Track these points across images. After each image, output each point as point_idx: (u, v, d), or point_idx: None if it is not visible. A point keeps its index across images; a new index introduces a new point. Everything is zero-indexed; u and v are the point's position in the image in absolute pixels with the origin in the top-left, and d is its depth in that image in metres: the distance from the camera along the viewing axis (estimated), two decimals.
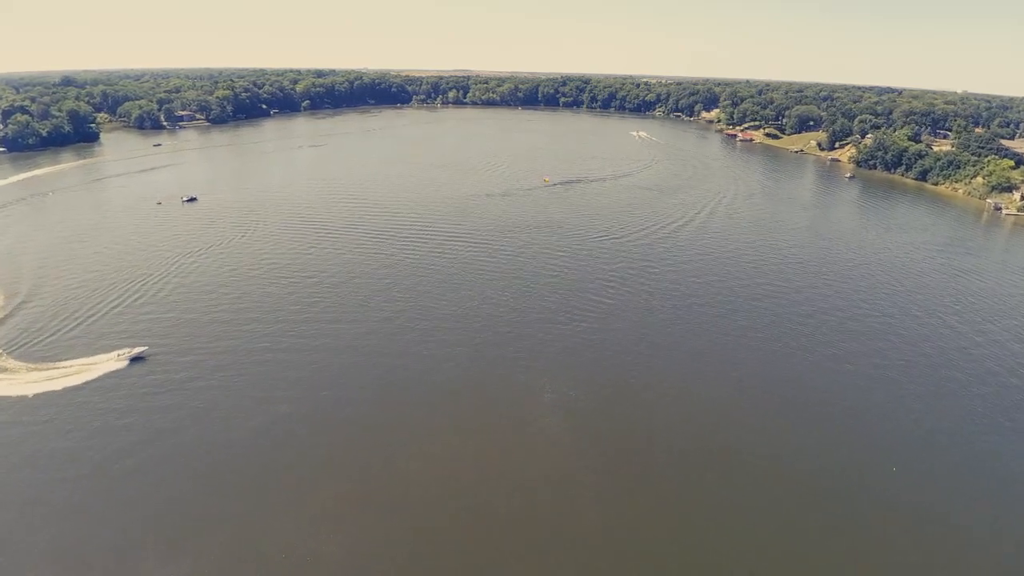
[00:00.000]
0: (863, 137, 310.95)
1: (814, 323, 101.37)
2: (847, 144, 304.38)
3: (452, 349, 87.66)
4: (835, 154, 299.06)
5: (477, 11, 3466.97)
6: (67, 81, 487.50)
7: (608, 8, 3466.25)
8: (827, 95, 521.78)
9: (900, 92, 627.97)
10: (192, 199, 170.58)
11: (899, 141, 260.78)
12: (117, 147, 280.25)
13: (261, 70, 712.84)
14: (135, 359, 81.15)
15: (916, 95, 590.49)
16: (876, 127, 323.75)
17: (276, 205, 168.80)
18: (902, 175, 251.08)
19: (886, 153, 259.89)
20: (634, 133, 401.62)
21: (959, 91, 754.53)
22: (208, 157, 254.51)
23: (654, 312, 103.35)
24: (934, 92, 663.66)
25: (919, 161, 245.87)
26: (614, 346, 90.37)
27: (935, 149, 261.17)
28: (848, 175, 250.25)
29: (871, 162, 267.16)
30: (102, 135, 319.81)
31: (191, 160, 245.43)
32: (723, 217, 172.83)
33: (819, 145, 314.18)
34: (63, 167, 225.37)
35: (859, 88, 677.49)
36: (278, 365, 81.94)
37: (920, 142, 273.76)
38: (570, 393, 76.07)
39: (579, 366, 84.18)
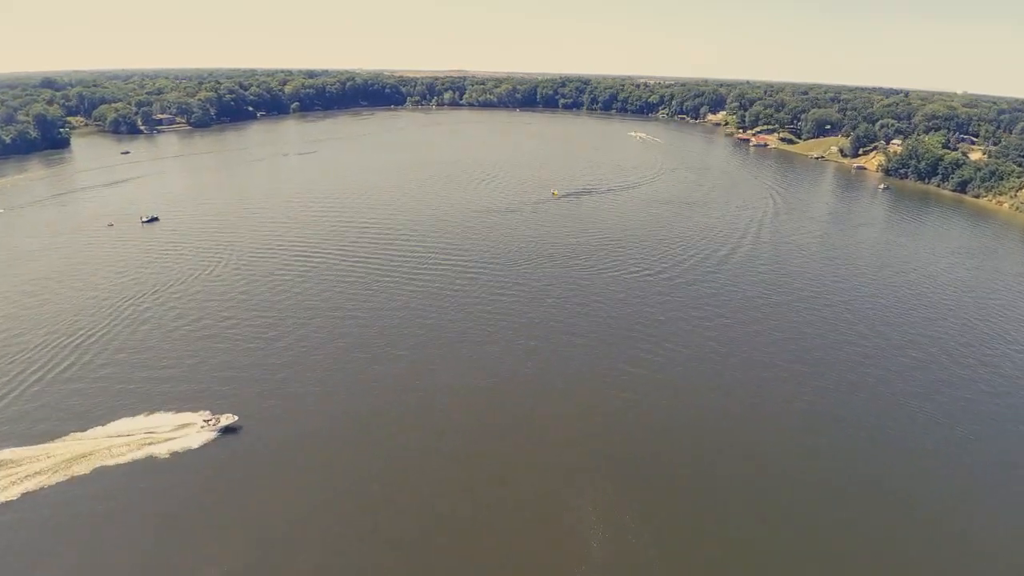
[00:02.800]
0: (887, 143, 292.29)
1: (932, 399, 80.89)
2: (872, 150, 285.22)
3: (465, 460, 66.81)
4: (860, 161, 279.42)
5: (475, 11, 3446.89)
6: (48, 82, 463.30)
7: (607, 8, 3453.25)
8: (834, 96, 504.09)
9: (907, 93, 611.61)
10: (153, 219, 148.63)
11: (933, 148, 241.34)
12: (86, 155, 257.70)
13: (252, 70, 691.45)
14: (227, 430, 67.96)
15: (925, 97, 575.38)
16: (900, 132, 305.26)
17: (253, 226, 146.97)
18: (938, 186, 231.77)
19: (919, 161, 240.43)
20: (633, 134, 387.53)
21: (959, 92, 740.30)
22: (182, 167, 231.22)
23: (729, 395, 79.34)
24: (932, 93, 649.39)
25: (957, 171, 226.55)
26: (682, 441, 69.71)
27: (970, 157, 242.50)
28: (882, 186, 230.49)
29: (902, 171, 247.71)
30: (75, 141, 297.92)
31: (162, 170, 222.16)
32: (769, 243, 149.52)
33: (841, 151, 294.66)
34: (19, 179, 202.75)
35: (862, 89, 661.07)
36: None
37: (955, 149, 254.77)
38: (629, 538, 54.88)
39: (636, 477, 63.51)
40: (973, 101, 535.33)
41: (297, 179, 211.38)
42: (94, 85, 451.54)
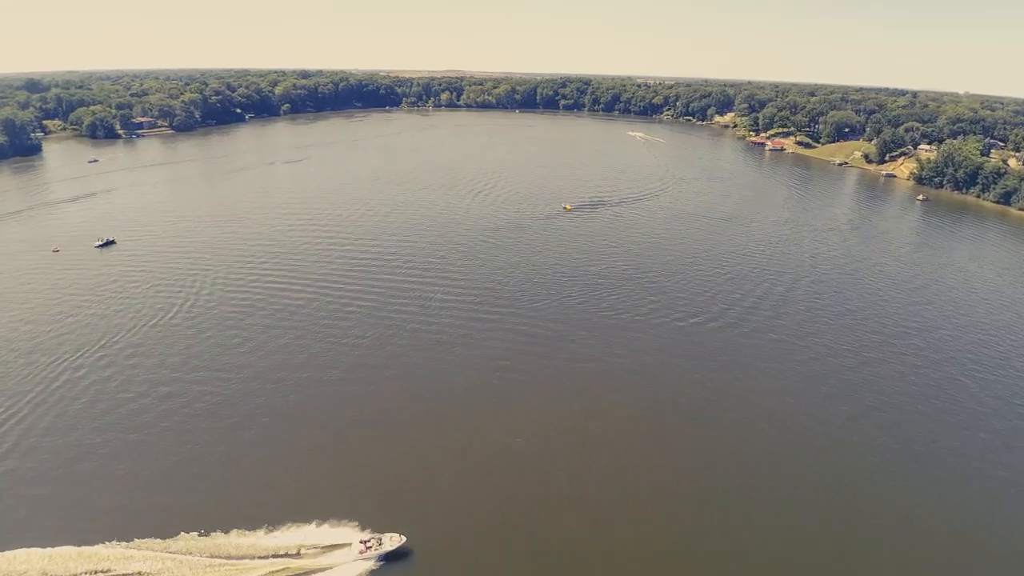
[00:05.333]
0: (915, 148, 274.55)
1: None
2: (898, 156, 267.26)
3: None
4: (889, 168, 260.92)
5: (473, 10, 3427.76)
6: (31, 84, 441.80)
7: (607, 7, 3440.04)
8: (843, 97, 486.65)
9: (915, 94, 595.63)
10: (108, 243, 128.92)
11: (971, 156, 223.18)
12: (56, 163, 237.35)
13: (245, 71, 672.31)
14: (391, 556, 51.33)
15: (934, 97, 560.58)
16: (925, 136, 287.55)
17: (228, 252, 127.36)
18: (977, 196, 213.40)
19: (956, 170, 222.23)
20: (633, 133, 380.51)
21: (962, 92, 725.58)
22: (154, 178, 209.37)
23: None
24: (941, 93, 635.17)
25: (1000, 181, 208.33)
26: None
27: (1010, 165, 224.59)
28: (920, 197, 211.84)
29: (937, 180, 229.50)
30: (48, 146, 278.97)
31: (132, 181, 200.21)
32: (832, 274, 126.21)
33: (866, 157, 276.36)
34: None
35: (869, 89, 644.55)
36: None
37: (990, 156, 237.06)
38: None
39: None
40: (990, 103, 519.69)
41: (282, 192, 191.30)
42: (79, 87, 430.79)
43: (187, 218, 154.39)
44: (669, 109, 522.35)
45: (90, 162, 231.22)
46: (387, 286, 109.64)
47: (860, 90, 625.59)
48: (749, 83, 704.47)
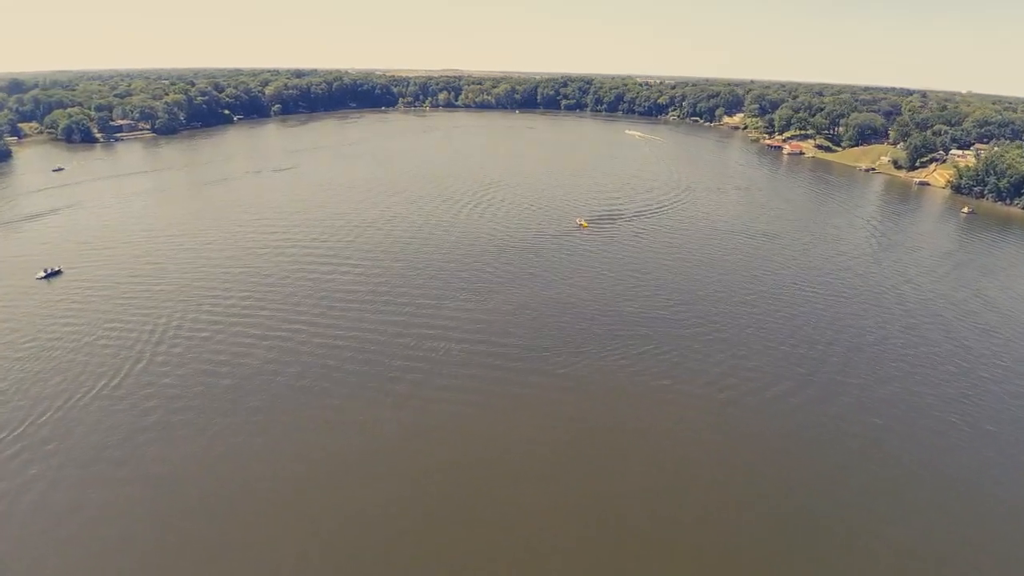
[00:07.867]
0: (946, 153, 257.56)
1: None
2: (929, 162, 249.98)
3: None
4: (922, 175, 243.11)
5: (471, 8, 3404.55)
6: (14, 85, 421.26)
7: (607, 7, 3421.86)
8: (854, 95, 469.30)
9: (924, 94, 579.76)
10: (53, 273, 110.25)
11: (1016, 164, 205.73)
12: (22, 171, 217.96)
13: (238, 70, 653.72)
14: None
15: (946, 97, 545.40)
16: (955, 140, 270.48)
17: (197, 285, 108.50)
18: None
19: (1000, 179, 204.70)
20: (631, 132, 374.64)
21: (964, 91, 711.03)
22: (125, 190, 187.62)
23: None
24: (951, 93, 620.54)
25: None
26: None
27: None
28: (966, 209, 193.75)
29: (977, 189, 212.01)
30: (21, 151, 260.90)
31: (97, 195, 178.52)
32: (926, 313, 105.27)
33: (895, 163, 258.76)
34: None
35: (877, 89, 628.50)
36: None
37: None
38: None
39: None
40: (1002, 103, 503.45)
41: (267, 208, 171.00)
42: (64, 87, 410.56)
43: (153, 241, 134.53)
44: (675, 109, 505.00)
45: (54, 171, 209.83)
46: (383, 338, 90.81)
47: (867, 89, 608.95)
48: (752, 82, 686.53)
